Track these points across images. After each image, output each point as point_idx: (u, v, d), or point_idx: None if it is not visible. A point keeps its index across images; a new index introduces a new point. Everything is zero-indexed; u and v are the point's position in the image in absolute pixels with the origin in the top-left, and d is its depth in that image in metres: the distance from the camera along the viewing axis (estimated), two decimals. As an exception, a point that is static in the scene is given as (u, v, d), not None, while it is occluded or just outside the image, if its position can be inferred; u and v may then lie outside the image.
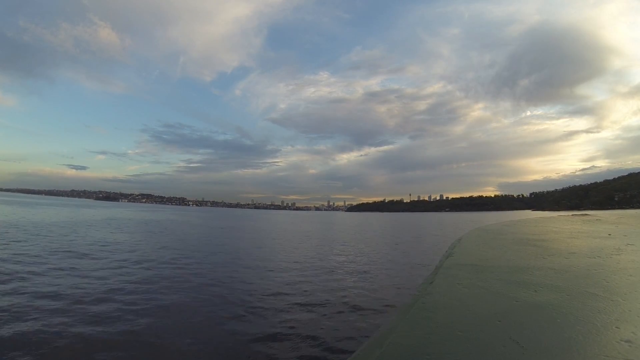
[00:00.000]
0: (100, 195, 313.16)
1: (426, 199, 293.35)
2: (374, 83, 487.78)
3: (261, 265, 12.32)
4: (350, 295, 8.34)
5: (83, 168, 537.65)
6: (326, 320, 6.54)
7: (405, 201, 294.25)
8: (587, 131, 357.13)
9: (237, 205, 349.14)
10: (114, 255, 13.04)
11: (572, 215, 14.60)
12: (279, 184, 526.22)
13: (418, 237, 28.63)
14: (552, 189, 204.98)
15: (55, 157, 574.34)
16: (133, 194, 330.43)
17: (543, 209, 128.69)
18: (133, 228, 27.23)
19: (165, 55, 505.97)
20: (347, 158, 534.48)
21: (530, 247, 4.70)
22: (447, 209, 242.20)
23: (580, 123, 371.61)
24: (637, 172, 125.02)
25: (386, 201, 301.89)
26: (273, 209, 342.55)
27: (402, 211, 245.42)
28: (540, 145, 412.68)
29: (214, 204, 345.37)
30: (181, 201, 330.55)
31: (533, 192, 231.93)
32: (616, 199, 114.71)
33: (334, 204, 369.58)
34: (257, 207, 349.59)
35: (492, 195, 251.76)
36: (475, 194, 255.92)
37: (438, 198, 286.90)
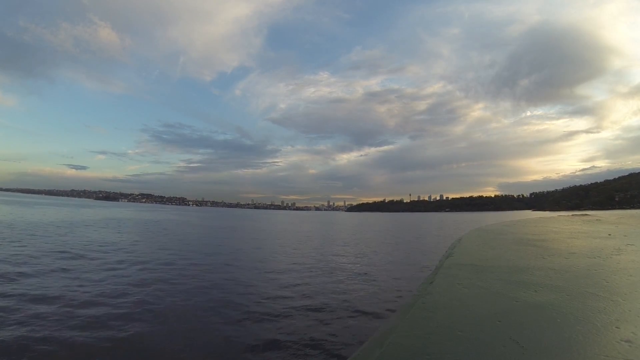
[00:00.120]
0: (100, 195, 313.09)
1: (426, 199, 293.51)
2: (374, 83, 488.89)
3: (260, 267, 12.28)
4: (351, 299, 8.22)
5: (83, 168, 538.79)
6: (325, 327, 6.35)
7: (405, 201, 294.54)
8: (587, 131, 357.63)
9: (237, 205, 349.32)
10: (109, 256, 12.80)
11: (572, 215, 14.62)
12: (279, 184, 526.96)
13: (418, 237, 28.63)
14: (552, 189, 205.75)
15: (55, 157, 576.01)
16: (133, 194, 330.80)
17: (543, 209, 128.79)
18: (131, 228, 27.17)
19: (165, 55, 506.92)
20: (347, 158, 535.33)
21: (530, 247, 4.70)
22: (447, 209, 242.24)
23: (580, 123, 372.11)
24: (637, 172, 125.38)
25: (386, 201, 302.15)
26: (273, 209, 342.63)
27: (402, 211, 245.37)
28: (540, 145, 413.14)
29: (214, 204, 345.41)
30: (181, 201, 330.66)
31: (533, 192, 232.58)
32: (617, 199, 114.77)
33: (334, 204, 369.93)
34: (257, 207, 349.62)
35: (492, 196, 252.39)
36: (475, 194, 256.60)
37: (438, 198, 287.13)
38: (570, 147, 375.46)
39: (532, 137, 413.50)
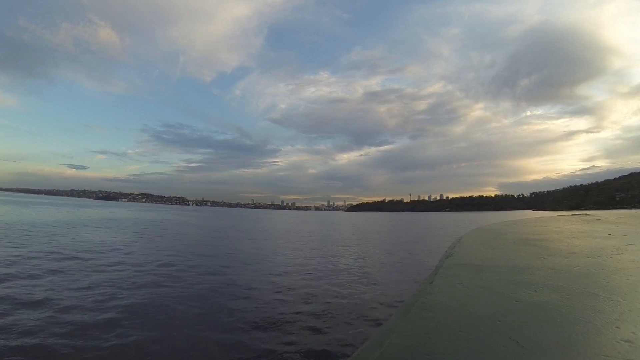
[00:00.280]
0: (100, 194, 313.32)
1: (426, 199, 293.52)
2: (374, 83, 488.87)
3: (260, 268, 12.22)
4: (351, 300, 8.17)
5: (83, 168, 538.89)
6: (325, 327, 6.25)
7: (405, 201, 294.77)
8: (587, 131, 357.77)
9: (237, 205, 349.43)
10: (105, 257, 12.47)
11: (572, 215, 14.62)
12: (279, 183, 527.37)
13: (419, 237, 28.61)
14: (552, 189, 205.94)
15: (55, 157, 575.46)
16: (133, 194, 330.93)
17: (543, 209, 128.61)
18: (130, 228, 27.04)
19: (165, 55, 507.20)
20: (347, 158, 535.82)
21: (530, 247, 4.70)
22: (447, 209, 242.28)
23: (580, 123, 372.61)
24: (638, 171, 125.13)
25: (386, 201, 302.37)
26: (273, 208, 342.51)
27: (402, 211, 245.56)
28: (540, 145, 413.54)
29: (214, 203, 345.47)
30: (181, 201, 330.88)
31: (533, 192, 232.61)
32: (617, 198, 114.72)
33: (334, 203, 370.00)
34: (257, 206, 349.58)
35: (493, 195, 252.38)
36: (475, 194, 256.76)
37: (438, 198, 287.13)
38: (570, 147, 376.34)
39: (532, 137, 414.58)
